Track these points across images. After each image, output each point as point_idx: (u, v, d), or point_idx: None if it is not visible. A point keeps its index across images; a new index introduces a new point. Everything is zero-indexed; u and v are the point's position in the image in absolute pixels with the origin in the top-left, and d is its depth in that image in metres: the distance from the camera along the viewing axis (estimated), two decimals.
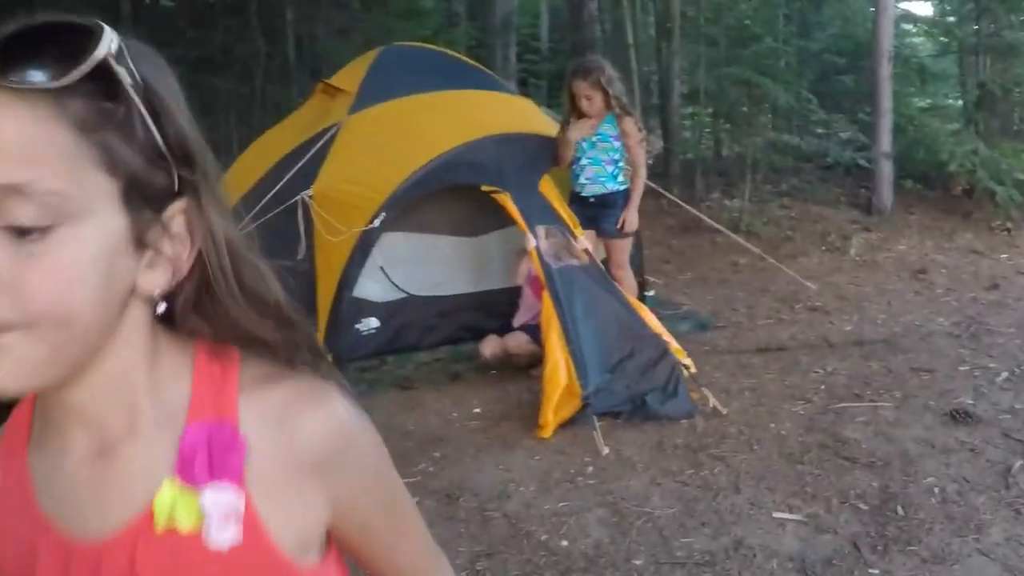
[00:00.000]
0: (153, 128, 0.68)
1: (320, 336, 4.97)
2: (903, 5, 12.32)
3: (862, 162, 9.03)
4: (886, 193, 8.94)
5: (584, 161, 5.07)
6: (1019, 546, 3.07)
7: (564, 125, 5.10)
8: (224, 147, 9.85)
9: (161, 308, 0.72)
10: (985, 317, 5.78)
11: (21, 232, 0.62)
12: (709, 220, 7.10)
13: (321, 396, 0.76)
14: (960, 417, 4.12)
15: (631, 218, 5.09)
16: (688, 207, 7.03)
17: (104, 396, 0.71)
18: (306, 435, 0.73)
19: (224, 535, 0.70)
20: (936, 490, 3.48)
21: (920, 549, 3.08)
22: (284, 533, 0.72)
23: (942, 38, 11.14)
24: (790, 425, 4.13)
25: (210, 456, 0.70)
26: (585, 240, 4.70)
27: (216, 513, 0.69)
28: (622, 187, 5.08)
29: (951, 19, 11.14)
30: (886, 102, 8.84)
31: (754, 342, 5.37)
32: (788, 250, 7.73)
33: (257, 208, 5.14)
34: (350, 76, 5.93)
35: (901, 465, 3.69)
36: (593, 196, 5.07)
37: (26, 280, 0.62)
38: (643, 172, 5.15)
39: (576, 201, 5.09)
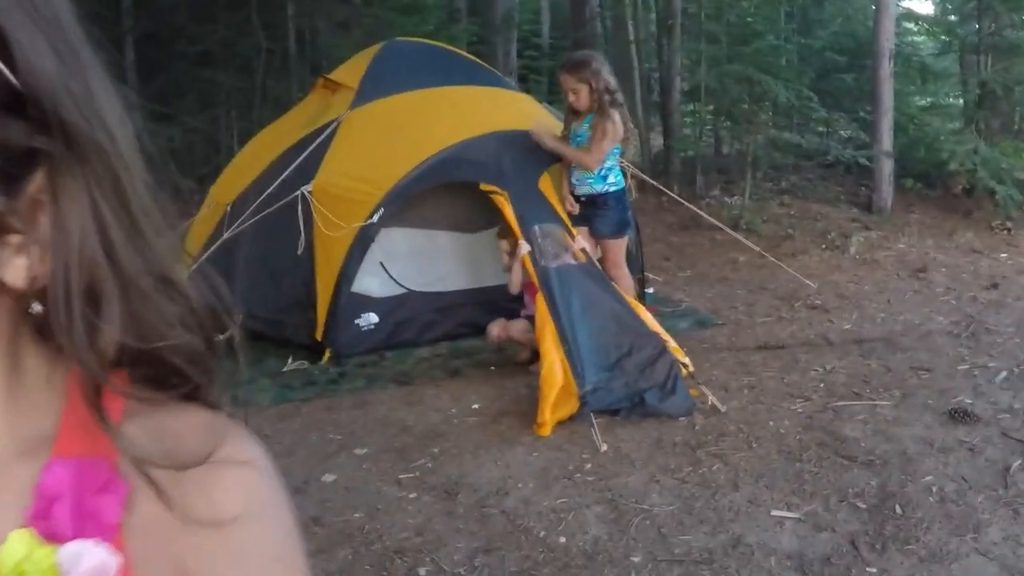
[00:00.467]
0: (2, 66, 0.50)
1: (319, 331, 4.98)
2: (904, 3, 12.33)
3: (862, 160, 9.03)
4: (886, 191, 8.94)
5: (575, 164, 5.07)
6: (1017, 545, 3.07)
7: (566, 120, 5.09)
8: (224, 142, 9.85)
9: (35, 308, 0.55)
10: (984, 316, 5.79)
11: None
12: (709, 217, 7.10)
13: (233, 443, 0.61)
14: (959, 416, 4.12)
15: (541, 133, 5.01)
16: (688, 204, 7.03)
17: None
18: (204, 491, 0.57)
19: None
20: (934, 489, 3.48)
21: (918, 548, 3.08)
22: None
23: (943, 37, 11.13)
24: (789, 423, 4.13)
25: (77, 502, 0.54)
26: (582, 239, 4.71)
27: (85, 569, 0.54)
28: (612, 188, 5.01)
29: (952, 18, 11.14)
30: (887, 100, 8.84)
31: (753, 340, 5.37)
32: (788, 248, 7.73)
33: (257, 203, 5.15)
34: (351, 71, 5.93)
35: (900, 464, 3.69)
36: (583, 196, 5.04)
37: None
38: (586, 161, 4.88)
39: (577, 200, 5.09)
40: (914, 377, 4.70)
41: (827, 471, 3.65)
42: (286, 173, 5.12)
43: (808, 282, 6.48)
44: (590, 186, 5.01)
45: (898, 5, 9.81)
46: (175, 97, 9.85)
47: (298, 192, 5.00)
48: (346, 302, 5.01)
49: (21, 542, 0.54)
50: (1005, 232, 8.29)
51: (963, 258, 7.51)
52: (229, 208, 5.47)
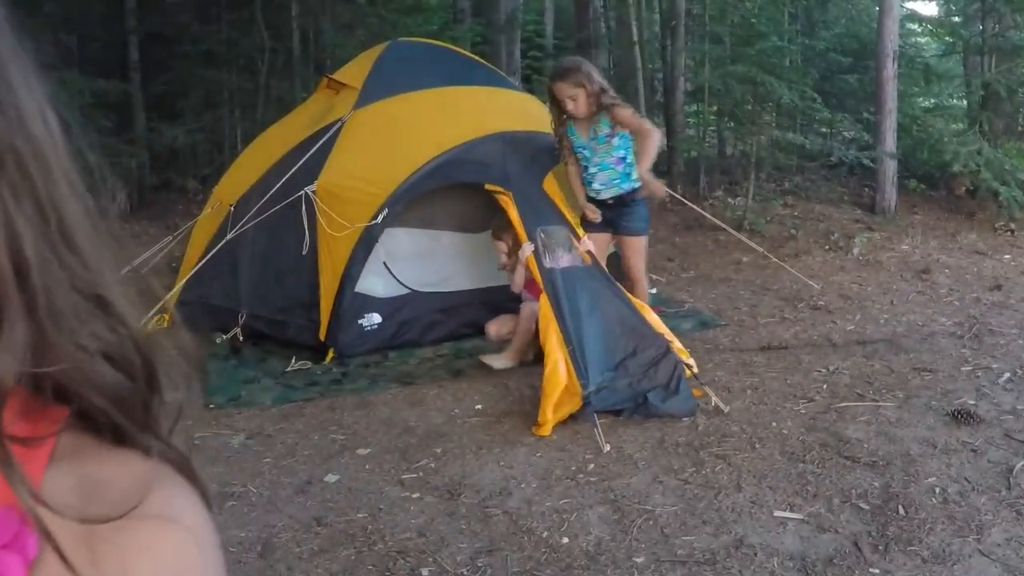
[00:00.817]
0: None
1: (322, 331, 4.99)
2: (908, 5, 12.32)
3: (866, 161, 9.02)
4: (890, 193, 8.93)
5: (592, 169, 4.95)
6: (1020, 547, 3.07)
7: (555, 127, 4.99)
8: (228, 141, 9.86)
9: None
10: (988, 317, 5.78)
11: None
12: (712, 218, 7.10)
13: (163, 498, 0.53)
14: (962, 417, 4.12)
15: (655, 185, 5.01)
16: (692, 205, 7.04)
17: None
18: (116, 551, 0.50)
19: None
20: (937, 490, 3.48)
21: (921, 549, 3.08)
22: None
23: (947, 38, 11.12)
24: (792, 424, 4.13)
25: None
26: (588, 241, 4.70)
27: None
28: (638, 184, 4.94)
29: (956, 19, 11.12)
30: (890, 102, 8.83)
31: (756, 341, 5.37)
32: (791, 249, 7.72)
33: (261, 203, 5.16)
34: (355, 71, 5.94)
35: (903, 465, 3.69)
36: (611, 198, 4.95)
37: None
38: (654, 137, 4.82)
39: (596, 205, 5.00)
40: (917, 378, 4.70)
41: (830, 472, 3.64)
42: (290, 173, 5.13)
43: (811, 283, 6.48)
44: (618, 186, 4.93)
45: (902, 6, 9.80)
46: (179, 97, 9.86)
47: (302, 192, 5.00)
48: (349, 302, 5.01)
49: None
50: (1008, 233, 8.29)
51: (966, 259, 7.50)
52: (233, 208, 5.48)
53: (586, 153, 4.93)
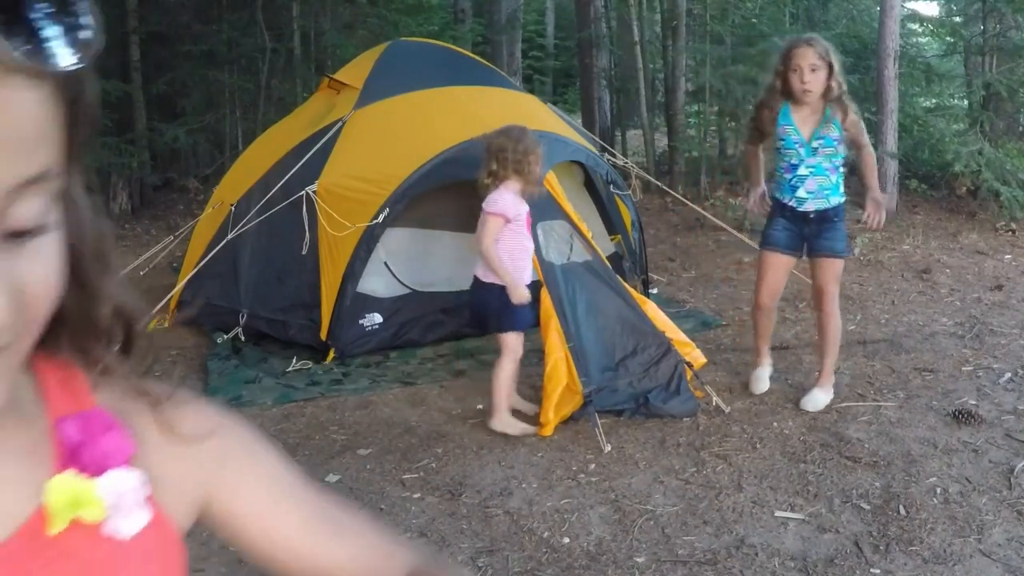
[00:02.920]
0: (93, 99, 0.58)
1: (323, 331, 4.99)
2: (909, 5, 12.31)
3: None
4: (890, 193, 8.92)
5: (803, 171, 4.23)
6: (1021, 547, 3.07)
7: (765, 99, 4.37)
8: (229, 141, 9.87)
9: None
10: (989, 318, 5.78)
11: (18, 233, 0.53)
12: (713, 218, 7.10)
13: (178, 391, 0.73)
14: (963, 417, 4.12)
15: (880, 209, 4.33)
16: (692, 205, 7.04)
17: None
18: (179, 415, 0.70)
19: (129, 523, 0.64)
20: (938, 490, 3.48)
21: (922, 549, 3.08)
22: (175, 515, 0.69)
23: (948, 38, 11.11)
24: (793, 424, 4.14)
25: (96, 444, 0.64)
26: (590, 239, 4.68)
27: (120, 501, 0.63)
28: (844, 199, 4.34)
29: (957, 19, 11.13)
30: (891, 102, 8.82)
31: None
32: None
33: (262, 203, 5.16)
34: (355, 71, 5.94)
35: (903, 465, 3.69)
36: (814, 212, 4.26)
37: (29, 289, 0.54)
38: (871, 151, 4.42)
39: (785, 215, 4.34)
40: (918, 378, 4.70)
41: (831, 472, 3.65)
42: (291, 173, 5.13)
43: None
44: (827, 199, 4.26)
45: (903, 6, 9.79)
46: (180, 97, 9.87)
47: (303, 192, 5.01)
48: (350, 302, 5.01)
49: (67, 483, 0.62)
50: (1009, 233, 8.28)
51: (967, 259, 7.50)
52: (233, 208, 5.48)
53: (802, 152, 4.21)
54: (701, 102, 10.14)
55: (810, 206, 4.24)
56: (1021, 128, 10.64)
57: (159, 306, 5.28)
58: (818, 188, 4.21)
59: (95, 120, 0.59)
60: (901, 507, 3.36)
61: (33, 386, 0.65)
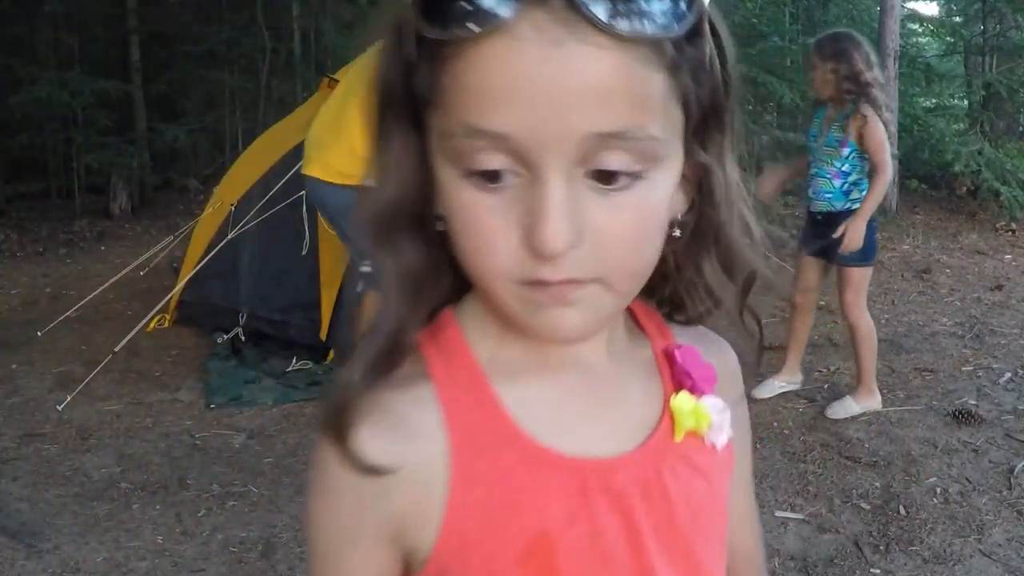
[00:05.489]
0: (719, 71, 0.66)
1: (323, 331, 4.99)
2: (909, 5, 12.31)
3: None
4: (890, 193, 8.91)
5: (813, 170, 4.18)
6: (1021, 547, 3.07)
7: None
8: (229, 141, 9.87)
9: (677, 233, 0.70)
10: (989, 318, 5.78)
11: (606, 178, 0.60)
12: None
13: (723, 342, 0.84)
14: (963, 417, 4.12)
15: (852, 232, 3.95)
16: None
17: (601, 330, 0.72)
18: (727, 360, 0.82)
19: (722, 436, 0.76)
20: (938, 490, 3.48)
21: (922, 549, 3.08)
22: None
23: (948, 38, 11.13)
24: (792, 424, 4.13)
25: (698, 372, 0.76)
26: None
27: (719, 418, 0.75)
28: (855, 207, 4.04)
29: (957, 19, 11.14)
30: (891, 102, 8.80)
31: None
32: (792, 249, 7.70)
33: (262, 203, 5.16)
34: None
35: (903, 465, 3.69)
36: (820, 214, 4.17)
37: (612, 234, 0.61)
38: (886, 176, 3.99)
39: (808, 214, 4.36)
40: (918, 378, 4.70)
41: (831, 472, 3.65)
42: (291, 173, 5.12)
43: None
44: (830, 203, 4.13)
45: (903, 6, 9.80)
46: (180, 97, 9.87)
47: (302, 192, 5.00)
48: (350, 302, 5.00)
49: (687, 400, 0.74)
50: (1010, 233, 8.28)
51: (967, 259, 7.50)
52: (233, 208, 5.48)
53: (812, 147, 4.21)
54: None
55: (816, 207, 4.19)
56: (1021, 128, 10.64)
57: (159, 306, 5.29)
58: (821, 190, 4.14)
59: (716, 97, 0.66)
60: (901, 507, 3.36)
61: (630, 320, 0.78)
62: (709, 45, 0.63)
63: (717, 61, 0.65)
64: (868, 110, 3.92)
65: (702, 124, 0.67)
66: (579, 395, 0.72)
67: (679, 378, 0.76)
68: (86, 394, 4.44)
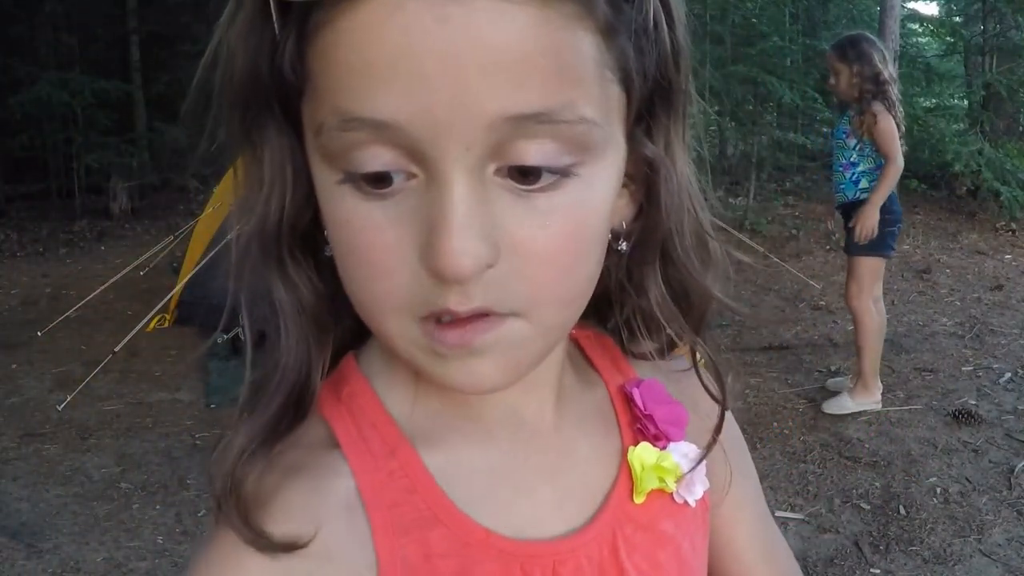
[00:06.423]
0: (666, 36, 0.53)
1: None
2: (909, 5, 12.32)
3: None
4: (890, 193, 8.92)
5: (831, 161, 4.35)
6: (1021, 547, 3.07)
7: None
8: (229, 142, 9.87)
9: (623, 246, 0.57)
10: (989, 318, 5.78)
11: (526, 175, 0.46)
12: (713, 218, 7.08)
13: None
14: (963, 417, 4.12)
15: (863, 220, 4.02)
16: None
17: (540, 373, 0.57)
18: (705, 398, 0.64)
19: (696, 489, 0.63)
20: (938, 490, 3.48)
21: (922, 549, 3.08)
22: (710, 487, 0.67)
23: (948, 38, 11.12)
24: (792, 424, 4.13)
25: (660, 414, 0.62)
26: None
27: (690, 468, 0.62)
28: (863, 198, 4.13)
29: (957, 19, 11.14)
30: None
31: (757, 341, 5.37)
32: (792, 249, 7.72)
33: None
34: None
35: (903, 465, 3.69)
36: (839, 206, 4.30)
37: (536, 249, 0.47)
38: (896, 167, 4.07)
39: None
40: (918, 378, 4.70)
41: (831, 472, 3.64)
42: None
43: (812, 283, 6.48)
44: (843, 194, 4.21)
45: (903, 6, 9.80)
46: (179, 96, 9.86)
47: None
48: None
49: (648, 452, 0.61)
50: (1009, 233, 8.28)
51: (967, 259, 7.50)
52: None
53: (831, 143, 4.39)
54: (701, 102, 10.12)
55: (836, 200, 4.30)
56: (1021, 128, 10.64)
57: (159, 306, 5.28)
58: (837, 184, 4.24)
59: (664, 69, 0.54)
60: (901, 507, 3.36)
61: (577, 354, 0.65)
62: (653, 3, 0.51)
63: (664, 24, 0.52)
64: (878, 107, 4.00)
65: (648, 106, 0.54)
66: (518, 460, 0.58)
67: (639, 424, 0.62)
68: (86, 394, 4.44)
